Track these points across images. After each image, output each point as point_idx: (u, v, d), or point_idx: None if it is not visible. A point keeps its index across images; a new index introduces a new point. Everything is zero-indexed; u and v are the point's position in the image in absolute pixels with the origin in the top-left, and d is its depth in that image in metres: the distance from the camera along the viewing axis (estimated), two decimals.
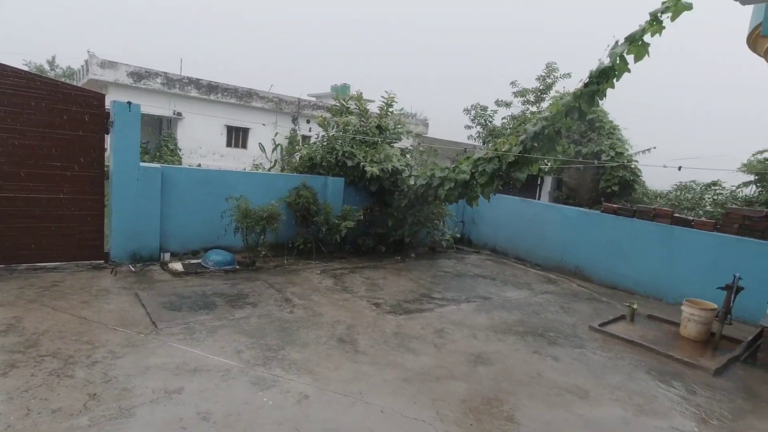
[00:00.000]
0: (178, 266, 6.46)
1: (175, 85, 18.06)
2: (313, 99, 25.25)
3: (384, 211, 8.55)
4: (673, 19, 5.50)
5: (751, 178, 10.57)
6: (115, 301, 5.06)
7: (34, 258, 5.79)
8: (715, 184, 11.17)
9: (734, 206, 8.22)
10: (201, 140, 19.18)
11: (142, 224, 6.39)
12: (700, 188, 11.42)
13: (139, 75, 17.14)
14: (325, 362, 4.13)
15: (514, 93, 13.42)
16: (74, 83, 16.66)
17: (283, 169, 10.11)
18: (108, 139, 6.15)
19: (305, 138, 17.43)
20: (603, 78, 6.02)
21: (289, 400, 3.46)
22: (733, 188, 11.02)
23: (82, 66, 17.97)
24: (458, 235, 10.28)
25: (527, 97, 13.45)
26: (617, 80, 6.09)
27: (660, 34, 5.63)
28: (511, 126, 13.50)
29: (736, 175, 10.81)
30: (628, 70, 5.95)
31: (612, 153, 10.89)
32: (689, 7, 5.38)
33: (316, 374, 3.89)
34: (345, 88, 33.14)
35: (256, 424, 3.11)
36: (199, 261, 6.76)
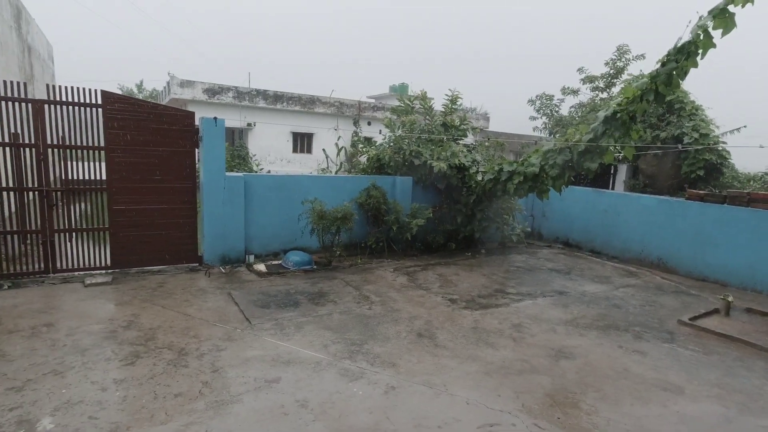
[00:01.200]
0: (261, 267, 6.93)
1: (245, 97, 19.17)
2: (373, 101, 25.69)
3: (452, 208, 8.59)
4: None
5: None
6: (212, 299, 5.56)
7: (142, 262, 6.49)
8: None
9: None
10: (269, 147, 20.20)
11: (229, 229, 6.93)
12: None
13: (213, 91, 18.39)
14: (407, 356, 4.29)
15: (581, 80, 12.85)
16: (158, 103, 18.23)
17: (349, 171, 10.45)
18: (197, 152, 6.74)
19: (367, 140, 17.83)
20: (682, 55, 5.67)
21: (377, 390, 3.65)
22: None
23: (165, 87, 19.59)
24: (528, 230, 10.07)
25: (596, 83, 12.83)
26: (701, 58, 5.70)
27: (752, 3, 5.21)
28: (579, 115, 12.95)
29: None
30: (714, 46, 5.55)
31: (695, 135, 10.13)
32: None
33: (400, 367, 4.06)
34: (404, 87, 33.33)
35: (349, 412, 3.34)
36: (280, 262, 7.21)
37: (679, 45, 5.73)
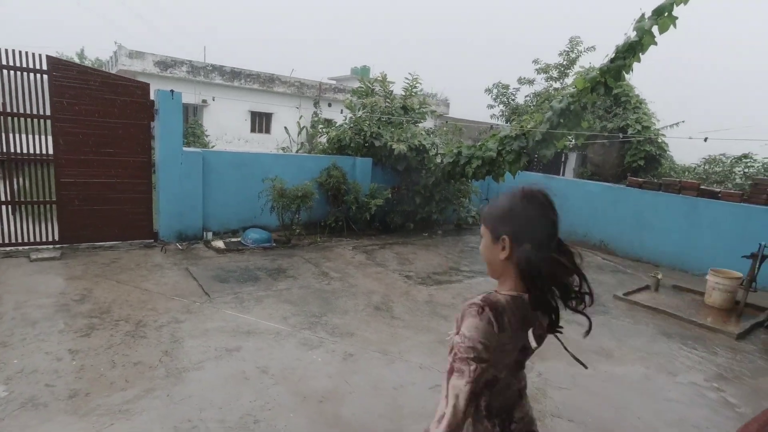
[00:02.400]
0: (220, 244, 6.89)
1: (200, 72, 18.48)
2: (334, 82, 25.43)
3: (411, 190, 8.81)
4: None
5: None
6: (169, 274, 5.51)
7: (94, 237, 6.30)
8: (746, 156, 11.02)
9: (761, 177, 8.20)
10: (226, 126, 19.65)
11: (186, 205, 6.82)
12: (730, 161, 11.30)
13: (166, 64, 17.60)
14: (365, 326, 4.49)
15: (536, 70, 13.35)
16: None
17: (309, 152, 10.44)
18: (153, 126, 6.55)
19: (328, 121, 17.74)
20: (630, 52, 6.09)
21: (336, 357, 3.82)
22: (766, 160, 10.87)
23: (111, 57, 18.53)
24: None
25: (550, 73, 13.37)
26: (643, 54, 6.14)
27: (685, 4, 5.66)
28: (534, 103, 13.47)
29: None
30: (655, 43, 6.00)
31: (638, 127, 10.85)
32: None
33: (358, 336, 4.25)
34: (365, 69, 33.10)
35: (309, 377, 3.49)
36: (239, 239, 7.19)
37: (628, 43, 6.12)
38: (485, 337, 1.23)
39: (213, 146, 18.16)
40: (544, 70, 13.25)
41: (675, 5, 5.69)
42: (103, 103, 6.05)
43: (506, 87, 14.20)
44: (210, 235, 7.09)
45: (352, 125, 8.82)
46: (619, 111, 11.44)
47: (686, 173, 11.71)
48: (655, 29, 5.80)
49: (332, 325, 4.46)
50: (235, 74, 19.38)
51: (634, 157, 10.97)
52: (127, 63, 16.76)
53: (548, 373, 3.83)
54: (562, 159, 13.55)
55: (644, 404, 3.49)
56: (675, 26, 5.79)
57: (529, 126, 7.20)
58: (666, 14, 5.76)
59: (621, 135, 9.75)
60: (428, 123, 10.62)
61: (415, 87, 9.10)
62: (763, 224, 6.60)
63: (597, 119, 11.55)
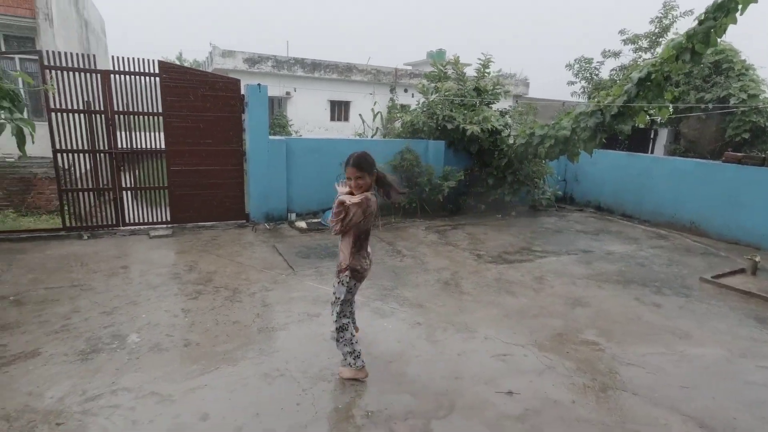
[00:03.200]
0: (302, 224, 7.51)
1: (284, 66, 19.61)
2: (410, 68, 25.56)
3: (484, 171, 8.84)
4: None
5: None
6: (259, 250, 6.19)
7: (197, 218, 7.21)
8: None
9: None
10: (307, 116, 20.70)
11: (272, 189, 7.52)
12: None
13: (253, 60, 18.92)
14: (434, 299, 4.76)
15: (623, 41, 12.43)
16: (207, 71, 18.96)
17: (384, 136, 10.79)
18: (243, 117, 7.28)
19: (404, 106, 17.99)
20: (721, 12, 5.59)
21: (404, 325, 4.14)
22: None
23: (207, 57, 20.30)
24: (560, 194, 10.18)
25: (639, 43, 12.39)
26: (741, 14, 5.60)
27: None
28: (620, 78, 12.62)
29: None
30: (754, 0, 5.45)
31: (743, 96, 9.78)
32: None
33: (426, 308, 4.53)
34: (441, 53, 32.75)
35: (380, 341, 3.85)
36: (319, 220, 7.77)
37: (718, 2, 5.64)
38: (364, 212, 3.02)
39: (296, 133, 19.30)
40: (632, 40, 12.29)
41: None
42: (203, 99, 6.85)
43: (589, 61, 13.42)
44: (293, 216, 7.75)
45: (425, 109, 9.00)
46: (719, 80, 10.37)
47: None
48: None
49: (403, 297, 4.79)
50: (315, 65, 20.28)
51: (737, 130, 9.92)
52: (220, 62, 18.29)
53: (614, 349, 3.84)
54: (651, 135, 12.57)
55: (719, 385, 3.39)
56: None
57: (606, 101, 6.90)
58: None
59: (727, 105, 8.86)
60: (504, 104, 10.45)
61: (488, 67, 9.02)
62: None
63: (693, 90, 10.57)
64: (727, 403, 3.18)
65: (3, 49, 9.26)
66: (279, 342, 3.73)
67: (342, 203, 2.98)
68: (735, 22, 5.68)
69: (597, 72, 13.38)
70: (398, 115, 9.59)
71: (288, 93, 19.87)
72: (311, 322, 4.12)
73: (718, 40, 5.95)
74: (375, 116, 11.03)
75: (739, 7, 5.55)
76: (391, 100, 21.36)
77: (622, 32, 12.35)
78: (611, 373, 3.51)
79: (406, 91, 22.11)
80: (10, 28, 9.15)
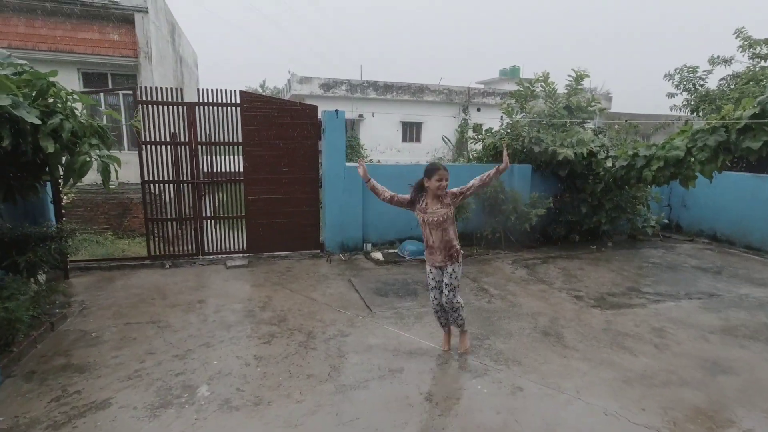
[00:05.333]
0: (378, 255, 7.12)
1: (357, 89, 19.82)
2: (482, 86, 24.86)
3: (576, 198, 7.96)
4: None
5: None
6: (334, 285, 5.85)
7: (272, 247, 7.08)
8: None
9: None
10: (379, 137, 20.67)
11: (348, 218, 7.23)
12: None
13: (328, 85, 19.30)
14: (532, 354, 4.08)
15: (740, 47, 10.87)
16: (284, 99, 19.68)
17: (468, 160, 10.22)
18: (320, 144, 7.10)
19: (477, 126, 17.38)
20: None
21: (503, 389, 3.52)
22: None
23: (286, 84, 21.07)
24: (665, 221, 8.96)
25: (757, 49, 10.80)
26: None
27: None
28: (733, 87, 11.07)
29: None
30: None
31: None
32: None
33: (525, 366, 3.87)
34: (515, 70, 31.75)
35: (475, 409, 3.26)
36: (396, 251, 7.34)
37: None
38: None
39: (369, 158, 19.28)
40: (750, 45, 10.72)
41: None
42: (280, 126, 6.76)
43: (694, 70, 11.96)
44: (369, 246, 7.39)
45: (509, 131, 8.35)
46: None
47: None
48: None
49: (496, 350, 4.16)
50: (387, 88, 20.29)
51: None
52: (297, 88, 18.85)
53: None
54: None
55: None
56: None
57: (734, 115, 5.84)
58: None
59: None
60: (595, 121, 9.50)
61: (581, 84, 8.20)
62: None
63: None
64: None
65: (110, 86, 10.02)
66: (357, 406, 3.27)
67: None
68: None
69: (703, 82, 11.88)
70: (479, 137, 8.99)
71: (361, 116, 20.00)
72: (393, 379, 3.62)
73: None
74: (458, 140, 10.52)
75: None
76: (465, 119, 20.77)
77: (738, 32, 10.79)
78: None
79: (479, 110, 21.42)
80: (117, 68, 9.95)
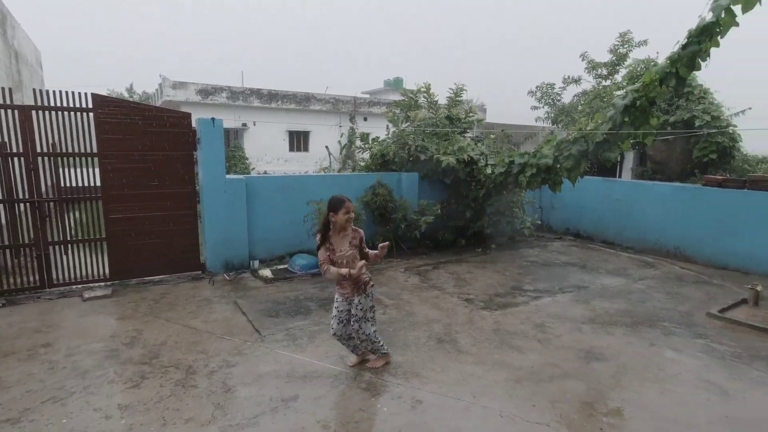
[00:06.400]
0: (267, 273, 6.66)
1: (239, 97, 18.82)
2: (368, 96, 25.35)
3: (461, 203, 8.33)
4: None
5: None
6: (218, 310, 5.29)
7: (143, 272, 6.21)
8: None
9: None
10: (266, 147, 19.87)
11: (232, 234, 6.65)
12: None
13: (206, 92, 18.04)
14: (430, 364, 4.04)
15: (586, 68, 12.55)
16: (152, 105, 17.89)
17: (354, 169, 10.17)
18: (195, 155, 6.44)
19: (364, 135, 17.58)
20: (705, 35, 5.40)
21: (403, 405, 3.39)
22: None
23: (157, 89, 19.22)
24: (538, 222, 9.82)
25: (599, 71, 12.54)
26: (722, 37, 5.43)
27: None
28: (582, 102, 12.67)
29: None
30: (736, 24, 5.27)
31: (707, 118, 9.88)
32: None
33: (424, 377, 3.80)
34: (398, 81, 32.95)
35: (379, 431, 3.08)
36: (286, 266, 6.94)
37: (702, 24, 5.45)
38: None
39: (253, 168, 18.40)
40: (593, 67, 12.42)
41: None
42: (146, 135, 5.98)
43: (551, 86, 13.47)
44: (256, 263, 6.88)
45: (395, 139, 8.46)
46: (682, 103, 10.50)
47: (760, 165, 10.59)
48: (738, 9, 5.10)
49: (394, 363, 4.04)
50: (272, 96, 19.62)
51: (704, 151, 9.98)
52: (171, 93, 17.29)
53: (658, 422, 3.24)
54: (618, 159, 12.62)
55: None
56: (761, 3, 5.07)
57: (589, 127, 6.58)
58: None
59: (694, 128, 8.86)
60: (472, 132, 10.11)
61: (460, 95, 8.65)
62: None
63: (659, 113, 10.64)
64: None
65: None
66: None
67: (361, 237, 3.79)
68: (718, 45, 5.50)
69: (560, 97, 13.43)
70: (365, 145, 8.99)
71: (244, 125, 19.02)
72: (287, 411, 3.29)
73: (702, 64, 5.75)
74: (342, 148, 10.45)
75: (721, 29, 5.39)
76: (352, 129, 20.91)
77: (583, 57, 12.45)
78: None
79: (365, 119, 21.76)
80: None
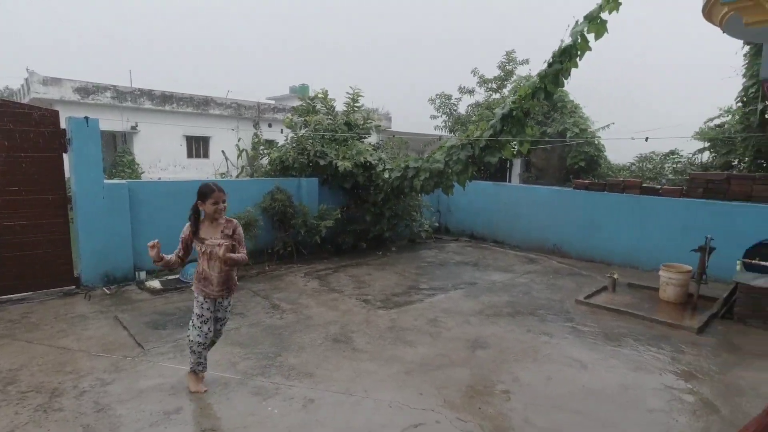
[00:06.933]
0: (156, 284, 6.21)
1: (127, 98, 17.32)
2: (273, 102, 24.81)
3: (361, 208, 8.49)
4: None
5: (705, 144, 11.09)
6: (94, 326, 4.81)
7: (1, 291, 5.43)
8: (673, 153, 11.67)
9: (696, 172, 8.60)
10: (160, 153, 18.48)
11: (112, 244, 6.09)
12: (660, 158, 11.92)
13: (87, 90, 16.34)
14: (325, 364, 4.06)
15: (477, 82, 13.58)
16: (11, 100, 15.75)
17: (251, 175, 9.90)
18: (67, 158, 5.82)
19: (270, 142, 17.13)
20: (566, 57, 6.15)
21: (295, 406, 3.37)
22: (690, 156, 11.55)
23: (23, 85, 16.98)
24: (436, 225, 10.34)
25: (489, 85, 13.64)
26: (580, 59, 6.23)
27: (617, 11, 5.78)
28: (476, 113, 13.66)
29: (691, 143, 11.34)
30: (589, 48, 6.09)
31: (576, 130, 11.20)
32: None
33: (318, 377, 3.81)
34: (304, 88, 32.69)
35: None
36: (178, 276, 6.52)
37: (562, 47, 6.19)
38: None
39: (143, 172, 17.06)
40: (484, 81, 13.49)
41: (605, 11, 5.81)
42: (4, 135, 5.27)
43: (449, 97, 14.33)
44: (143, 274, 6.38)
45: (294, 145, 8.40)
46: (556, 116, 11.79)
47: (622, 172, 12.24)
48: (591, 36, 5.89)
49: (288, 366, 4.00)
50: (166, 98, 18.35)
51: (575, 159, 11.30)
52: (41, 90, 15.39)
53: (525, 395, 3.58)
54: (508, 166, 13.79)
55: (629, 418, 3.31)
56: (607, 31, 5.91)
57: (475, 135, 7.12)
58: (598, 21, 5.87)
59: (565, 138, 10.00)
60: (372, 138, 10.39)
61: (357, 101, 8.84)
62: (703, 217, 6.84)
63: (537, 125, 11.84)
64: None
65: None
66: None
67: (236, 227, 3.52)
68: (577, 66, 6.30)
69: (456, 107, 14.31)
70: (266, 151, 8.82)
71: (134, 127, 17.55)
72: (169, 424, 3.10)
73: (565, 81, 6.53)
74: (240, 153, 10.11)
75: (579, 53, 6.19)
76: (256, 135, 20.29)
77: (474, 72, 13.47)
78: (529, 426, 3.20)
79: (270, 126, 21.24)
80: None
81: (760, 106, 8.84)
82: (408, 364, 4.10)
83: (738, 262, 5.75)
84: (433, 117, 14.56)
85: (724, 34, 4.19)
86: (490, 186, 10.10)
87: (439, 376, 3.88)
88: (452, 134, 14.29)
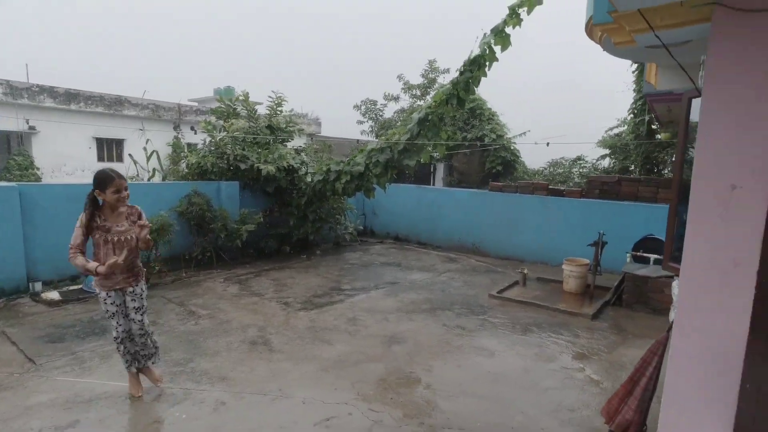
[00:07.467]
0: (53, 295, 5.72)
1: (23, 94, 15.75)
2: (195, 104, 23.77)
3: (284, 211, 8.40)
4: (528, 12, 6.16)
5: (607, 151, 12.29)
6: None
7: None
8: (579, 159, 12.79)
9: (593, 175, 9.48)
10: (65, 156, 16.97)
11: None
12: (569, 163, 13.00)
13: None
14: (239, 366, 3.99)
15: (402, 89, 13.99)
16: None
17: (164, 178, 9.45)
18: None
19: (191, 145, 16.36)
20: (475, 66, 6.55)
21: (205, 409, 3.29)
22: (593, 161, 12.73)
23: None
24: (361, 228, 10.46)
25: (414, 91, 14.10)
26: (488, 69, 6.66)
27: (520, 26, 6.27)
28: (401, 118, 14.04)
29: (595, 149, 12.52)
30: (497, 59, 6.54)
31: (493, 136, 11.90)
32: (540, 1, 6.07)
33: (231, 379, 3.74)
34: (229, 90, 31.58)
35: None
36: (81, 286, 6.06)
37: (472, 57, 6.59)
38: None
39: (42, 174, 15.64)
40: (409, 88, 13.93)
41: (509, 26, 6.28)
42: None
43: (374, 103, 14.61)
44: (39, 285, 5.85)
45: (213, 149, 8.13)
46: (475, 122, 12.45)
47: (536, 176, 13.19)
48: (498, 48, 6.33)
49: (200, 371, 3.88)
50: (71, 96, 16.93)
51: (492, 164, 11.99)
52: None
53: (434, 383, 3.76)
54: (432, 169, 14.30)
55: (526, 398, 3.59)
56: (511, 44, 6.38)
57: (394, 138, 7.34)
58: (503, 34, 6.33)
59: (478, 143, 10.58)
60: (299, 141, 10.33)
61: (281, 105, 8.76)
62: (599, 215, 7.57)
63: (458, 130, 12.43)
64: (535, 414, 3.35)
65: None
66: None
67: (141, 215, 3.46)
68: (485, 75, 6.73)
69: (381, 113, 14.62)
70: (183, 155, 8.45)
71: (32, 128, 16.00)
72: None
73: (476, 89, 6.94)
74: (149, 156, 9.61)
75: (487, 63, 6.62)
76: (176, 138, 19.29)
77: (400, 77, 13.87)
78: (436, 411, 3.38)
79: (192, 129, 20.28)
80: None
81: (647, 118, 9.99)
82: (324, 361, 4.14)
83: (628, 254, 6.43)
84: (360, 122, 14.77)
85: (605, 51, 4.72)
86: (413, 189, 10.42)
87: (355, 371, 3.96)
88: (378, 138, 14.60)
